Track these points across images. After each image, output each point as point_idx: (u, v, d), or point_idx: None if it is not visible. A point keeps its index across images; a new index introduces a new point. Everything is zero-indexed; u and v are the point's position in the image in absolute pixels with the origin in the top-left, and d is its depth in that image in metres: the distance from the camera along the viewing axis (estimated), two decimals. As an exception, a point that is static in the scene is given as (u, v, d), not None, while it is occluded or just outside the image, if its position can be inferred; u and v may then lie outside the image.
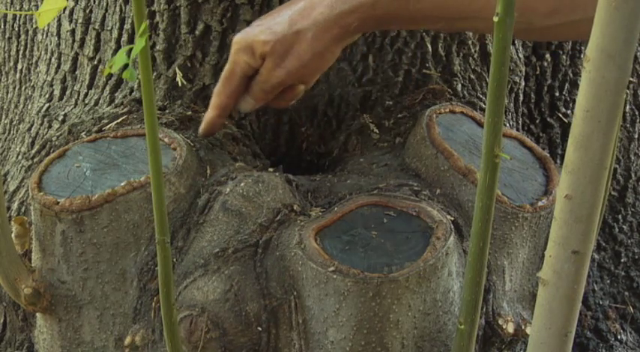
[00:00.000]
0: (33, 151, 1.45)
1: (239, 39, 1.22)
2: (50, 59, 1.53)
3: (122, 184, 1.17)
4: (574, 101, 1.59)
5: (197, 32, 1.38)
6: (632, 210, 1.69)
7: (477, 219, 0.89)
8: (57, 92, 1.51)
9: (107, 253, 1.17)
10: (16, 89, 1.70)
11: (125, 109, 1.39)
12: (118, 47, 1.43)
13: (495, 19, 0.78)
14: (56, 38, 1.51)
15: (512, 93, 1.53)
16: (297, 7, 1.19)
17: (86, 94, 1.47)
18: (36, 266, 1.22)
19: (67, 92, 1.50)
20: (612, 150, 0.82)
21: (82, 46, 1.47)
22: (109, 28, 1.43)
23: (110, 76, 1.44)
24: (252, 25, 1.24)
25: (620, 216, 1.68)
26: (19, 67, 1.68)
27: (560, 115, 1.62)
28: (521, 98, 1.57)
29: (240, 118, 1.41)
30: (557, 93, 1.61)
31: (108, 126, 1.35)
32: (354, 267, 1.08)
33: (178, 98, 1.39)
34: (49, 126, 1.47)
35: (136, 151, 1.26)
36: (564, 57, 1.59)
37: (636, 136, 1.68)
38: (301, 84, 1.25)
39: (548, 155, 1.32)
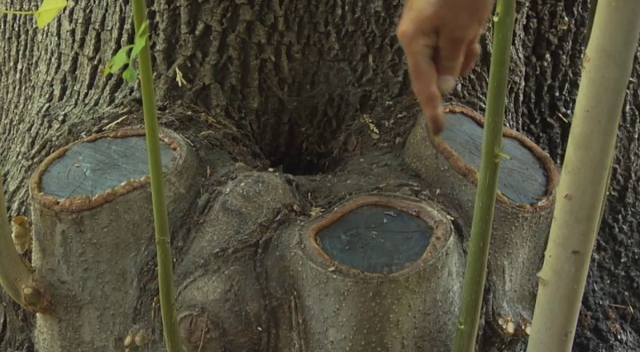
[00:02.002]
0: (33, 151, 1.45)
1: (402, 29, 1.17)
2: (50, 59, 1.53)
3: (122, 184, 1.17)
4: (574, 101, 1.59)
5: (197, 32, 1.38)
6: (632, 210, 1.69)
7: (476, 219, 0.89)
8: (57, 92, 1.51)
9: (107, 253, 1.17)
10: (16, 89, 1.70)
11: (125, 109, 1.39)
12: (118, 47, 1.43)
13: (495, 19, 0.78)
14: (56, 38, 1.51)
15: (512, 93, 1.53)
16: None
17: (86, 94, 1.47)
18: (36, 266, 1.22)
19: (67, 92, 1.50)
20: (612, 150, 0.82)
21: (82, 46, 1.47)
22: (109, 28, 1.43)
23: (110, 76, 1.44)
24: (406, 10, 1.19)
25: (620, 216, 1.68)
26: (19, 67, 1.68)
27: (560, 115, 1.62)
28: (521, 98, 1.57)
29: (240, 118, 1.41)
30: (557, 93, 1.61)
31: (108, 126, 1.35)
32: (354, 267, 1.08)
33: (178, 98, 1.39)
34: (49, 126, 1.47)
35: (136, 151, 1.26)
36: (564, 57, 1.59)
37: (636, 136, 1.68)
38: (479, 28, 1.19)
39: (548, 155, 1.32)
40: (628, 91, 1.65)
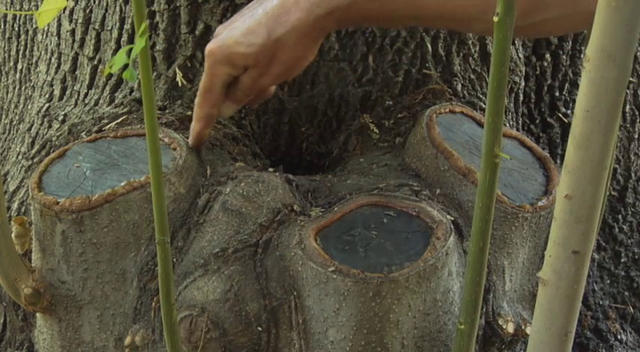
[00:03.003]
0: (33, 151, 1.45)
1: (214, 50, 1.19)
2: (50, 59, 1.53)
3: (122, 184, 1.17)
4: (574, 101, 1.59)
5: (197, 32, 1.38)
6: (632, 210, 1.69)
7: (476, 219, 0.89)
8: (57, 92, 1.51)
9: (107, 253, 1.17)
10: (16, 89, 1.70)
11: (125, 109, 1.39)
12: (118, 47, 1.43)
13: (495, 19, 0.78)
14: (56, 38, 1.51)
15: (512, 93, 1.53)
16: (270, 12, 1.17)
17: (86, 94, 1.47)
18: (36, 266, 1.22)
19: (67, 92, 1.50)
20: (612, 150, 0.82)
21: (82, 46, 1.47)
22: (109, 28, 1.43)
23: (110, 76, 1.44)
24: (222, 31, 1.21)
25: (620, 216, 1.68)
26: (19, 67, 1.68)
27: (560, 115, 1.62)
28: (521, 98, 1.57)
29: (240, 118, 1.41)
30: (557, 93, 1.61)
31: (108, 126, 1.35)
32: (354, 267, 1.08)
33: (178, 98, 1.39)
34: (49, 126, 1.47)
35: (136, 151, 1.26)
36: (564, 57, 1.59)
37: (636, 136, 1.68)
38: (285, 80, 1.26)
39: (548, 155, 1.32)
40: (628, 91, 1.65)
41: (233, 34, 1.18)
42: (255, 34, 1.16)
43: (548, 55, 1.58)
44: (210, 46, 1.20)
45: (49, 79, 1.52)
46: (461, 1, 1.16)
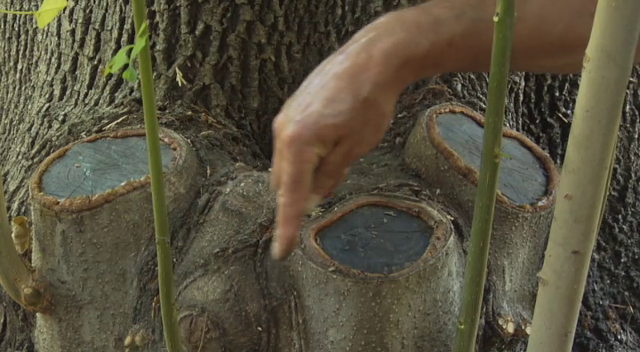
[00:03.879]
0: (33, 151, 1.45)
1: (298, 131, 1.01)
2: (50, 59, 1.53)
3: (122, 184, 1.17)
4: (574, 101, 1.59)
5: (197, 32, 1.38)
6: (632, 210, 1.69)
7: (476, 219, 0.89)
8: (57, 92, 1.51)
9: (107, 253, 1.17)
10: (16, 89, 1.70)
11: (125, 109, 1.39)
12: (118, 47, 1.43)
13: (495, 19, 0.78)
14: (56, 38, 1.51)
15: (512, 93, 1.53)
16: (343, 75, 1.03)
17: (86, 94, 1.47)
18: (36, 266, 1.22)
19: (67, 92, 1.50)
20: (612, 150, 0.82)
21: (82, 46, 1.47)
22: (109, 28, 1.43)
23: (110, 76, 1.44)
24: (293, 113, 1.04)
25: (620, 216, 1.68)
26: (19, 67, 1.68)
27: (560, 115, 1.62)
28: (521, 98, 1.57)
29: (240, 118, 1.41)
30: (557, 93, 1.61)
31: (108, 126, 1.35)
32: (354, 267, 1.08)
33: (178, 98, 1.39)
34: (49, 126, 1.47)
35: (136, 151, 1.26)
36: (564, 57, 1.59)
37: (636, 136, 1.68)
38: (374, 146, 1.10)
39: (548, 155, 1.31)
40: (628, 91, 1.65)
41: (313, 109, 1.02)
42: (339, 100, 1.02)
43: (548, 55, 1.58)
44: (292, 130, 1.02)
45: (49, 79, 1.52)
46: (549, 35, 1.05)
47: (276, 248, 1.05)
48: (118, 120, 1.36)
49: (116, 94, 1.44)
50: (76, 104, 1.47)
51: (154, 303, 1.17)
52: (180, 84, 1.38)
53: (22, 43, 1.67)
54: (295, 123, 1.02)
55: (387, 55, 1.03)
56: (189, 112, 1.37)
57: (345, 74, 1.03)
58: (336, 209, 1.18)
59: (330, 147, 1.03)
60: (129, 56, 0.80)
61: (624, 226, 1.68)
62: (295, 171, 1.02)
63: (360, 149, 1.06)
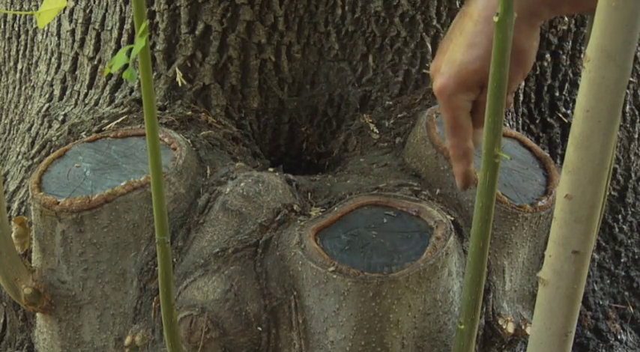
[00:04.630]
0: (33, 151, 1.45)
1: (444, 83, 1.08)
2: (50, 59, 1.53)
3: (122, 184, 1.17)
4: (574, 101, 1.59)
5: (197, 32, 1.38)
6: (632, 210, 1.69)
7: (476, 219, 0.89)
8: (57, 92, 1.51)
9: (107, 253, 1.17)
10: (16, 89, 1.70)
11: (125, 109, 1.39)
12: (118, 47, 1.43)
13: (495, 19, 0.78)
14: (56, 38, 1.51)
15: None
16: (478, 17, 1.06)
17: (86, 94, 1.47)
18: (36, 266, 1.22)
19: (67, 92, 1.50)
20: (612, 150, 0.82)
21: (82, 46, 1.47)
22: (109, 28, 1.43)
23: (110, 76, 1.44)
24: (441, 65, 1.10)
25: (620, 216, 1.68)
26: (19, 67, 1.68)
27: (560, 115, 1.62)
28: (521, 98, 1.57)
29: (240, 118, 1.41)
30: (557, 93, 1.61)
31: (108, 126, 1.35)
32: (354, 267, 1.08)
33: (178, 98, 1.39)
34: (49, 126, 1.47)
35: (136, 151, 1.26)
36: (564, 57, 1.59)
37: (636, 136, 1.68)
38: (522, 80, 1.14)
39: (548, 155, 1.32)
40: (628, 91, 1.65)
41: (454, 57, 1.08)
42: (476, 45, 1.06)
43: (548, 55, 1.58)
44: (438, 83, 1.09)
45: (49, 79, 1.52)
46: None
47: (457, 182, 1.14)
48: (118, 120, 1.36)
49: (116, 94, 1.44)
50: (76, 104, 1.47)
51: (154, 303, 1.17)
52: (180, 84, 1.38)
53: (22, 43, 1.67)
54: (440, 76, 1.10)
55: None
56: (189, 112, 1.37)
57: (480, 17, 1.06)
58: (336, 209, 1.18)
59: (477, 90, 1.09)
60: (129, 56, 0.80)
61: (624, 226, 1.68)
62: (449, 117, 1.10)
63: (509, 85, 1.07)
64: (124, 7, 1.42)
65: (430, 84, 1.41)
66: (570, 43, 1.59)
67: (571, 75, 1.61)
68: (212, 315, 1.12)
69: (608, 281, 1.67)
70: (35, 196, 1.18)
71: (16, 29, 1.68)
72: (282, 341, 1.14)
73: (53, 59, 1.52)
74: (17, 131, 1.65)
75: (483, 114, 1.03)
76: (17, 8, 1.63)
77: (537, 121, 1.61)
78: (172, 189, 1.19)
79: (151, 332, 1.17)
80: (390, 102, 1.41)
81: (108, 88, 1.45)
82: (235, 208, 1.18)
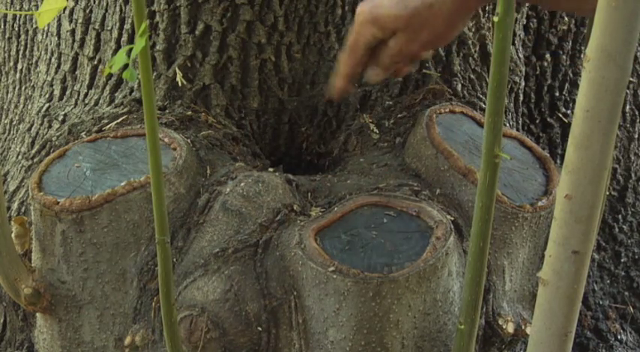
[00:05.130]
0: (33, 151, 1.45)
1: (365, 10, 1.19)
2: (50, 59, 1.53)
3: (122, 184, 1.17)
4: (574, 101, 1.59)
5: (197, 32, 1.38)
6: (632, 210, 1.69)
7: (476, 219, 0.89)
8: (57, 92, 1.51)
9: (107, 253, 1.17)
10: (16, 89, 1.70)
11: (125, 109, 1.39)
12: (118, 47, 1.43)
13: (495, 19, 0.78)
14: (56, 38, 1.51)
15: (512, 93, 1.53)
16: None
17: (86, 94, 1.47)
18: (36, 266, 1.22)
19: (67, 92, 1.50)
20: (612, 150, 0.82)
21: (82, 46, 1.47)
22: (109, 28, 1.43)
23: (110, 76, 1.44)
24: None
25: (620, 216, 1.68)
26: (19, 67, 1.68)
27: (560, 115, 1.62)
28: (521, 98, 1.57)
29: (240, 118, 1.41)
30: (557, 93, 1.61)
31: (108, 126, 1.35)
32: (354, 267, 1.08)
33: (178, 98, 1.39)
34: (49, 126, 1.47)
35: (136, 151, 1.26)
36: (564, 57, 1.59)
37: (636, 136, 1.68)
38: (428, 53, 1.25)
39: (548, 155, 1.32)
40: (628, 91, 1.65)
41: (384, 1, 1.18)
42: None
43: (548, 55, 1.58)
44: (361, 6, 1.19)
45: (49, 79, 1.52)
46: None
47: (329, 91, 1.29)
48: (118, 120, 1.36)
49: (116, 94, 1.44)
50: (76, 104, 1.47)
51: (154, 303, 1.17)
52: (180, 84, 1.38)
53: (22, 43, 1.67)
54: (366, 2, 1.20)
55: None
56: (189, 112, 1.37)
57: None
58: (336, 209, 1.18)
59: (387, 34, 1.18)
60: (129, 56, 0.80)
61: (624, 226, 1.68)
62: (352, 40, 1.21)
63: (414, 46, 1.19)
64: (124, 7, 1.41)
65: (427, 84, 1.41)
66: (570, 43, 1.59)
67: (571, 75, 1.61)
68: (212, 315, 1.12)
69: (608, 281, 1.67)
70: (35, 196, 1.18)
71: (16, 29, 1.68)
72: (282, 341, 1.14)
73: (53, 59, 1.52)
74: (17, 131, 1.65)
75: (381, 55, 1.21)
76: (17, 8, 1.63)
77: (537, 121, 1.62)
78: (172, 189, 1.19)
79: (151, 332, 1.17)
80: (390, 102, 1.41)
81: (108, 88, 1.45)
82: (235, 208, 1.18)
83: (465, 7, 1.16)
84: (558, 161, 1.58)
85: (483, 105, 1.43)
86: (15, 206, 1.43)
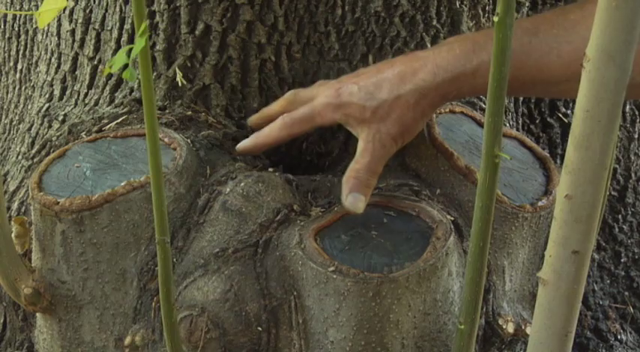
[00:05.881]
0: (33, 151, 1.45)
1: (334, 94, 1.19)
2: (50, 59, 1.53)
3: (122, 184, 1.17)
4: (574, 101, 1.59)
5: (197, 32, 1.38)
6: (632, 210, 1.69)
7: (476, 219, 0.89)
8: (57, 92, 1.51)
9: (107, 253, 1.17)
10: (16, 89, 1.70)
11: (125, 109, 1.39)
12: (118, 47, 1.43)
13: (495, 19, 0.78)
14: (56, 38, 1.51)
15: (512, 93, 1.53)
16: (397, 70, 1.17)
17: (86, 94, 1.47)
18: (36, 266, 1.22)
19: (67, 92, 1.50)
20: (612, 150, 0.82)
21: (82, 46, 1.47)
22: (109, 28, 1.43)
23: (110, 76, 1.44)
24: (347, 80, 1.21)
25: (620, 216, 1.68)
26: (19, 67, 1.68)
27: (560, 115, 1.62)
28: (521, 98, 1.57)
29: (240, 118, 1.41)
30: (557, 93, 1.61)
31: (108, 126, 1.35)
32: (354, 267, 1.08)
33: (178, 98, 1.39)
34: (49, 126, 1.47)
35: (136, 151, 1.26)
36: (564, 57, 1.59)
37: (636, 136, 1.68)
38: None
39: (548, 155, 1.32)
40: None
41: (359, 84, 1.18)
42: (379, 88, 1.16)
43: (548, 55, 1.58)
44: (329, 87, 1.20)
45: (49, 79, 1.52)
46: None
47: (243, 144, 1.27)
48: (118, 120, 1.36)
49: (116, 94, 1.44)
50: (76, 104, 1.47)
51: (154, 303, 1.17)
52: (180, 84, 1.38)
53: (22, 43, 1.67)
54: (338, 85, 1.19)
55: (438, 67, 1.15)
56: (189, 112, 1.36)
57: (398, 72, 1.17)
58: (336, 209, 1.18)
59: (349, 124, 1.19)
60: (129, 56, 0.80)
61: (624, 226, 1.68)
62: (307, 113, 1.21)
63: (385, 138, 1.18)
64: (124, 7, 1.41)
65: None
66: (570, 43, 1.59)
67: (571, 75, 1.60)
68: (212, 315, 1.12)
69: (608, 281, 1.67)
70: (35, 196, 1.18)
71: (16, 29, 1.68)
72: (282, 341, 1.14)
73: (53, 59, 1.52)
74: (17, 131, 1.65)
75: (354, 169, 1.17)
76: (17, 8, 1.63)
77: (537, 121, 1.61)
78: (172, 189, 1.19)
79: (151, 332, 1.17)
80: (390, 102, 1.41)
81: (108, 88, 1.44)
82: (235, 208, 1.18)
83: (429, 102, 1.17)
84: (558, 161, 1.58)
85: (483, 105, 1.43)
86: (15, 206, 1.43)
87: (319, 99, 1.20)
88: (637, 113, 1.67)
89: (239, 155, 1.30)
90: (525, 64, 1.14)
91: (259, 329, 1.13)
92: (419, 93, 1.15)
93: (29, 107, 1.62)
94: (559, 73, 1.15)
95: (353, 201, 1.15)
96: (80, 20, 1.46)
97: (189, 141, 1.28)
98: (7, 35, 1.71)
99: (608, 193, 1.27)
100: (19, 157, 1.52)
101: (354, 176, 1.17)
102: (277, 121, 1.24)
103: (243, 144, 1.28)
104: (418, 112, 1.17)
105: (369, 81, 1.17)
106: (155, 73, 1.40)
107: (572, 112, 1.43)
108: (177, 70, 1.38)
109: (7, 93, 1.73)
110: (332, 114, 1.19)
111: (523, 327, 1.23)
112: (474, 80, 1.15)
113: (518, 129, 1.56)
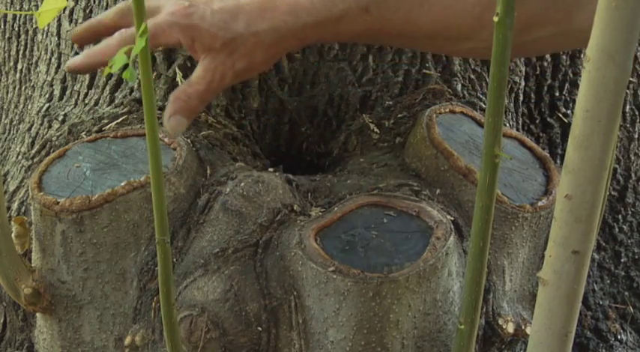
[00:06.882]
0: (33, 151, 1.45)
1: (183, 13, 1.07)
2: (50, 59, 1.53)
3: (122, 184, 1.17)
4: (574, 101, 1.59)
5: (197, 32, 1.37)
6: (632, 210, 1.69)
7: (476, 219, 0.89)
8: (57, 92, 1.51)
9: (107, 253, 1.17)
10: (16, 89, 1.70)
11: (125, 109, 1.39)
12: (118, 47, 1.42)
13: (495, 19, 0.78)
14: (56, 38, 1.51)
15: (512, 93, 1.53)
16: (256, 2, 1.07)
17: (86, 94, 1.47)
18: (36, 266, 1.22)
19: (67, 92, 1.50)
20: (612, 150, 0.82)
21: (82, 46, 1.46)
22: (109, 28, 1.43)
23: (110, 76, 1.44)
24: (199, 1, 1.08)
25: (620, 216, 1.68)
26: (19, 67, 1.68)
27: (560, 115, 1.62)
28: (521, 98, 1.57)
29: (240, 118, 1.41)
30: (557, 93, 1.61)
31: (108, 126, 1.35)
32: (354, 267, 1.08)
33: (178, 98, 1.39)
34: (49, 126, 1.47)
35: (136, 151, 1.26)
36: (564, 57, 1.59)
37: (636, 136, 1.68)
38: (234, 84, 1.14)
39: (548, 155, 1.32)
40: (628, 91, 1.65)
41: (212, 7, 1.07)
42: (235, 19, 1.07)
43: (548, 55, 1.58)
44: (180, 6, 1.08)
45: (49, 79, 1.52)
46: (455, 19, 1.10)
47: (72, 61, 1.16)
48: (118, 120, 1.36)
49: (116, 94, 1.44)
50: (76, 104, 1.47)
51: (154, 303, 1.17)
52: (180, 84, 1.38)
53: (22, 43, 1.67)
54: (182, 7, 1.08)
55: (302, 8, 1.07)
56: (189, 112, 1.36)
57: (257, 3, 1.07)
58: (336, 209, 1.18)
59: (193, 50, 1.09)
60: (129, 56, 0.80)
61: (624, 226, 1.68)
62: (149, 29, 1.13)
63: (226, 74, 1.09)
64: (124, 7, 1.41)
65: (427, 84, 1.41)
66: (570, 43, 1.59)
67: (571, 75, 1.61)
68: (212, 315, 1.12)
69: (608, 281, 1.67)
70: (35, 196, 1.18)
71: (16, 29, 1.68)
72: (282, 341, 1.14)
73: (53, 59, 1.52)
74: (17, 131, 1.65)
75: (183, 89, 1.10)
76: (17, 8, 1.63)
77: (537, 121, 1.61)
78: (172, 189, 1.19)
79: (151, 332, 1.17)
80: (390, 102, 1.41)
81: (108, 88, 1.44)
82: (235, 208, 1.18)
83: (285, 44, 1.10)
84: (558, 161, 1.58)
85: (483, 105, 1.43)
86: (15, 206, 1.43)
87: (164, 16, 1.08)
88: (637, 113, 1.67)
89: (237, 155, 1.30)
90: (395, 15, 1.08)
91: (259, 329, 1.13)
92: (277, 35, 1.07)
93: (29, 107, 1.62)
94: (427, 29, 1.10)
95: (175, 123, 1.09)
96: (80, 20, 1.46)
97: (189, 141, 1.28)
98: (7, 35, 1.71)
99: (608, 193, 1.27)
100: (19, 157, 1.52)
101: (183, 99, 1.09)
102: (114, 37, 1.12)
103: (73, 61, 1.15)
104: (270, 53, 1.09)
105: (225, 7, 1.07)
106: (155, 73, 1.40)
107: (572, 112, 1.43)
108: (178, 70, 1.38)
109: (7, 93, 1.73)
110: (177, 34, 1.08)
111: (523, 327, 1.23)
112: (338, 27, 1.09)
113: (518, 129, 1.56)
